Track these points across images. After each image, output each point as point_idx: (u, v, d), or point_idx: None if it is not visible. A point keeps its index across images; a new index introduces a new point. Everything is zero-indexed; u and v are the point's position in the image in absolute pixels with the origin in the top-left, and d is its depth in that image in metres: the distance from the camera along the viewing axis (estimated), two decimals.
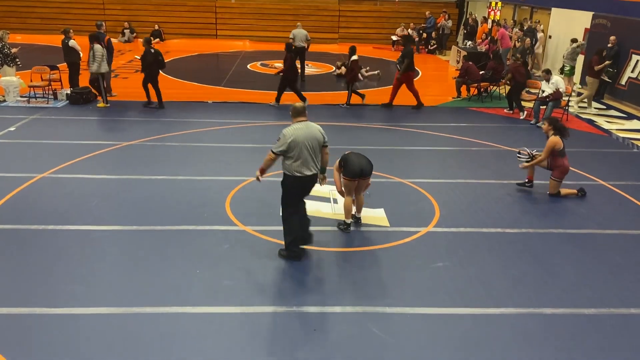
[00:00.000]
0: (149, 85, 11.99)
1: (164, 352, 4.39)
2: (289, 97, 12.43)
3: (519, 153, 8.02)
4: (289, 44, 12.56)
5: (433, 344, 4.58)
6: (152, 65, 11.72)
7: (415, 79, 14.36)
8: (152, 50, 11.76)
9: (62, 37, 12.62)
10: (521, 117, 12.39)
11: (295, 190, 5.71)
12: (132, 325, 4.71)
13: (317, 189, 7.64)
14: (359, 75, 16.35)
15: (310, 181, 5.66)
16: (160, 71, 12.03)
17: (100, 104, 12.10)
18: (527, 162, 7.85)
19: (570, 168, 8.26)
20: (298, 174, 5.55)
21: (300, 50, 16.10)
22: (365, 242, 6.31)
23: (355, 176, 6.32)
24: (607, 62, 13.30)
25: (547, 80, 11.64)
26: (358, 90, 13.16)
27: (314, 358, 4.38)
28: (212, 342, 4.52)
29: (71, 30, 12.70)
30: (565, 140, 7.68)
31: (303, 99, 12.38)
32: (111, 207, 7.00)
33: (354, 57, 12.65)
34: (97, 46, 11.72)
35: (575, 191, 7.80)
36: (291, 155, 5.50)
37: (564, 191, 7.79)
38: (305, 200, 5.97)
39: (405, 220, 6.89)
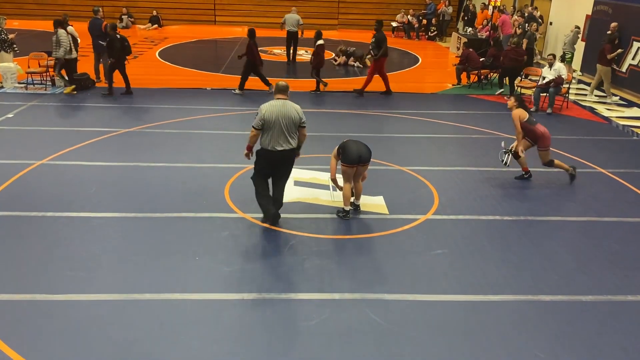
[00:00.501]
0: (116, 72, 11.77)
1: (163, 338, 4.41)
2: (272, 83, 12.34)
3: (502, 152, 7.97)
4: (251, 29, 12.23)
5: (431, 331, 4.60)
6: (119, 52, 11.49)
7: (416, 66, 14.26)
8: (119, 36, 11.52)
9: None
10: (496, 94, 13.03)
11: (265, 162, 6.02)
12: (131, 311, 4.73)
13: (316, 177, 7.66)
14: (358, 59, 16.28)
15: (281, 157, 5.93)
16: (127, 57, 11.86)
17: (67, 90, 11.92)
18: (506, 155, 7.83)
19: (570, 156, 8.26)
20: (269, 148, 5.86)
21: (293, 35, 16.05)
22: (364, 230, 6.32)
23: (354, 163, 6.31)
24: (619, 50, 13.14)
25: (550, 66, 11.56)
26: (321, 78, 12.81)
27: (313, 345, 4.40)
28: (211, 329, 4.54)
29: (67, 17, 12.62)
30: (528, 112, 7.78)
31: (268, 84, 12.31)
32: (110, 194, 7.00)
33: (320, 42, 12.39)
34: (61, 31, 11.54)
35: (568, 167, 7.84)
36: (265, 130, 5.82)
37: (557, 162, 7.84)
38: (278, 184, 6.25)
39: (404, 207, 6.89)
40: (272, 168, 6.08)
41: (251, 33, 12.11)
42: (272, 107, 5.79)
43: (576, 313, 4.91)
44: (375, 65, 12.47)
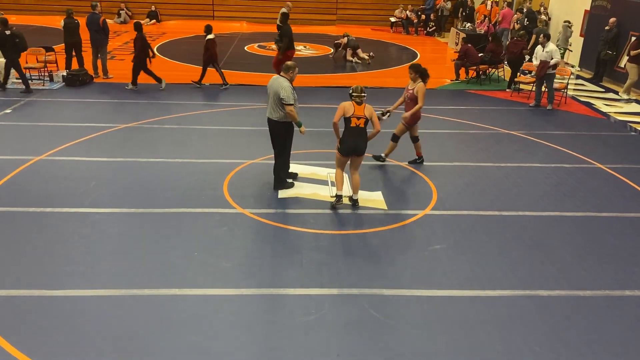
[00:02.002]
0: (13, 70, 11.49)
1: (162, 333, 4.42)
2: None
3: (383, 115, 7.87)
4: (137, 22, 11.96)
5: (430, 326, 4.62)
6: (9, 49, 11.03)
7: (414, 61, 14.10)
8: (8, 32, 11.01)
9: (57, 17, 12.54)
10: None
11: None
12: (130, 307, 4.74)
13: (315, 172, 7.66)
14: (355, 53, 16.27)
15: (269, 124, 6.90)
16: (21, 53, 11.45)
17: None
18: (385, 116, 7.71)
19: (568, 151, 8.24)
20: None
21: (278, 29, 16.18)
22: (362, 225, 6.33)
23: (349, 154, 6.36)
24: None
25: (543, 46, 11.24)
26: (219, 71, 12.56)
27: (312, 340, 4.41)
28: (210, 324, 4.55)
29: (72, 12, 12.70)
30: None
31: (159, 80, 12.10)
32: (109, 190, 7.00)
33: (210, 37, 12.13)
34: None
35: (420, 154, 8.06)
36: None
37: (420, 143, 8.03)
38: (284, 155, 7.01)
39: (402, 203, 6.90)
40: (269, 132, 7.02)
41: (137, 26, 11.86)
42: (270, 81, 6.80)
43: (574, 308, 4.93)
44: (282, 58, 12.11)
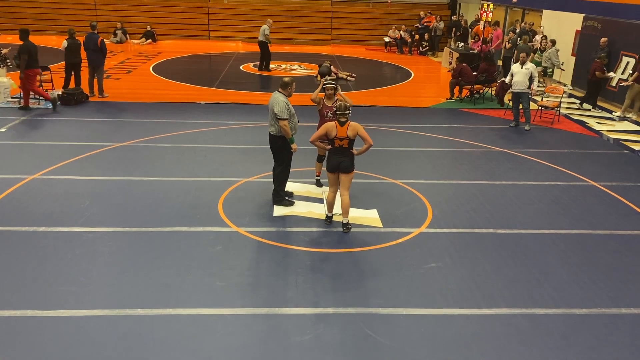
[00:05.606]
0: None
1: (156, 354, 4.37)
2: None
3: None
4: None
5: (426, 345, 4.58)
6: None
7: (408, 80, 14.20)
8: None
9: (53, 37, 12.61)
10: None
11: None
12: (124, 327, 4.68)
13: (310, 190, 7.66)
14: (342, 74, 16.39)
15: (269, 138, 7.01)
16: None
17: None
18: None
19: (562, 169, 8.25)
20: None
21: (259, 46, 17.03)
22: (358, 243, 6.32)
23: (334, 171, 6.41)
24: None
25: (522, 64, 11.13)
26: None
27: None
28: (205, 344, 4.50)
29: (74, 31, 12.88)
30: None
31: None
32: (103, 209, 6.97)
33: None
34: None
35: (319, 172, 7.86)
36: None
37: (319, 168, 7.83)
38: (281, 168, 7.09)
39: (398, 221, 6.90)
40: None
41: None
42: (271, 96, 6.89)
43: (570, 326, 4.91)
44: (24, 78, 11.36)
